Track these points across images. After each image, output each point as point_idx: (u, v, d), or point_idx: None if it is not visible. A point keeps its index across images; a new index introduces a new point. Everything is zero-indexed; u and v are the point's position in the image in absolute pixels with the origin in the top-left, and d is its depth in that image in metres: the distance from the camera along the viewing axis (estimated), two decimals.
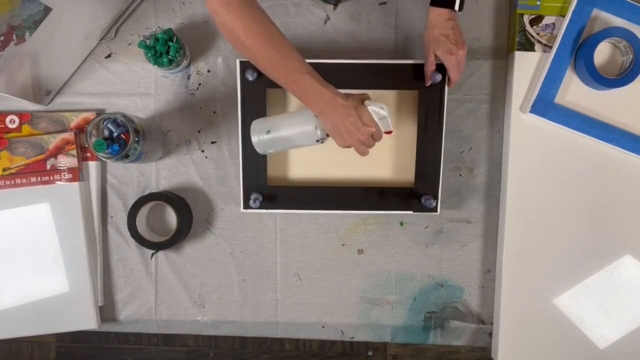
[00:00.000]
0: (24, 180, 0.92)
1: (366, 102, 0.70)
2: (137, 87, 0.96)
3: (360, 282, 0.94)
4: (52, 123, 0.94)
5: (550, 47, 0.88)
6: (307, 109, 0.72)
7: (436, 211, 0.86)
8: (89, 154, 0.94)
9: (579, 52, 0.86)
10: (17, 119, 0.93)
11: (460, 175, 0.93)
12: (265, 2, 0.94)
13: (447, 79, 0.83)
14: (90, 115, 0.94)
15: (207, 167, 0.95)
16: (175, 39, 0.88)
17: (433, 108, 0.85)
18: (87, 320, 0.93)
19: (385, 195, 0.88)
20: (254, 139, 0.74)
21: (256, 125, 0.75)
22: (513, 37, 0.89)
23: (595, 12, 0.87)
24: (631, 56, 0.84)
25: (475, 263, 0.93)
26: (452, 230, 0.93)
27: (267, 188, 0.88)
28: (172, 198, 0.92)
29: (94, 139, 0.82)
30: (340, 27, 0.94)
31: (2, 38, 0.77)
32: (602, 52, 0.87)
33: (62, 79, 0.95)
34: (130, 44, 0.95)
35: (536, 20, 0.88)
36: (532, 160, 0.89)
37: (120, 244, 0.96)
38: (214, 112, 0.95)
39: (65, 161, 0.92)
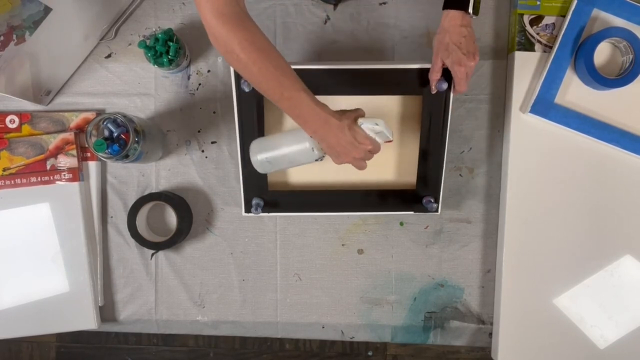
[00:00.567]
0: (24, 180, 0.92)
1: (359, 120, 0.70)
2: (137, 87, 0.95)
3: (360, 282, 0.94)
4: (52, 123, 0.94)
5: (550, 47, 0.88)
6: (300, 131, 0.71)
7: (437, 211, 0.86)
8: (89, 154, 0.94)
9: (579, 52, 0.86)
10: (17, 119, 0.93)
11: (460, 175, 0.93)
12: (265, 2, 0.94)
13: (452, 86, 0.80)
14: (90, 115, 0.94)
15: (207, 167, 0.95)
16: (175, 39, 0.88)
17: (437, 114, 0.82)
18: (87, 320, 0.93)
19: (386, 198, 0.87)
20: (254, 161, 0.74)
21: (255, 146, 0.75)
22: (513, 37, 0.89)
23: (595, 12, 0.87)
24: (631, 56, 0.84)
25: (475, 263, 0.93)
26: (452, 230, 0.93)
27: (268, 193, 0.87)
28: (172, 198, 0.92)
29: (94, 139, 0.82)
30: (340, 27, 0.93)
31: (2, 38, 0.77)
32: (602, 52, 0.87)
33: (62, 79, 0.95)
34: (130, 44, 0.95)
35: (536, 20, 0.88)
36: (532, 160, 0.89)
37: (120, 244, 0.96)
38: (214, 112, 0.95)
39: (65, 161, 0.92)
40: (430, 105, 0.82)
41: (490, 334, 0.94)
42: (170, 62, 0.88)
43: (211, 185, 0.95)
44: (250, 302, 0.96)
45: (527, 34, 0.88)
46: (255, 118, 0.86)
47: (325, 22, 0.94)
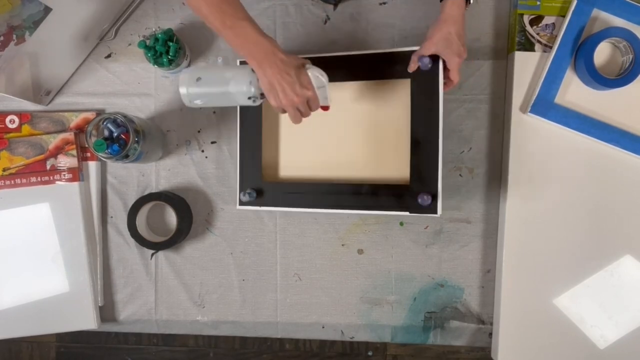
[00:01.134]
0: (24, 180, 0.92)
1: (307, 65, 0.68)
2: (137, 87, 0.96)
3: (360, 282, 0.94)
4: (52, 123, 0.94)
5: (550, 47, 0.88)
6: (244, 65, 0.69)
7: (436, 212, 0.80)
8: (89, 154, 0.94)
9: (579, 52, 0.86)
10: (17, 119, 0.93)
11: (460, 175, 0.93)
12: (265, 2, 0.94)
13: (442, 76, 0.78)
14: (90, 115, 0.94)
15: (207, 167, 0.95)
16: (175, 39, 0.88)
17: (427, 96, 0.78)
18: (87, 320, 0.93)
19: (379, 194, 0.84)
20: (182, 89, 0.70)
21: (187, 73, 0.71)
22: (513, 37, 0.89)
23: (595, 12, 0.87)
24: (631, 56, 0.84)
25: (475, 263, 0.93)
26: (452, 230, 0.93)
27: (261, 184, 0.87)
28: (172, 198, 0.92)
29: (94, 139, 0.82)
30: (340, 27, 0.93)
31: (2, 38, 0.77)
32: (602, 52, 0.87)
33: (62, 79, 0.95)
34: (130, 44, 0.95)
35: (536, 20, 0.88)
36: (532, 160, 0.89)
37: (120, 244, 0.96)
38: (214, 112, 0.95)
39: (65, 161, 0.92)
40: (420, 86, 0.79)
41: (490, 334, 0.94)
42: (170, 62, 0.88)
43: (211, 185, 0.95)
44: (250, 302, 0.96)
45: (527, 34, 0.88)
46: (255, 118, 0.87)
47: (325, 22, 0.94)
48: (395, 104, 0.86)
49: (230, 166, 0.95)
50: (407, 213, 0.82)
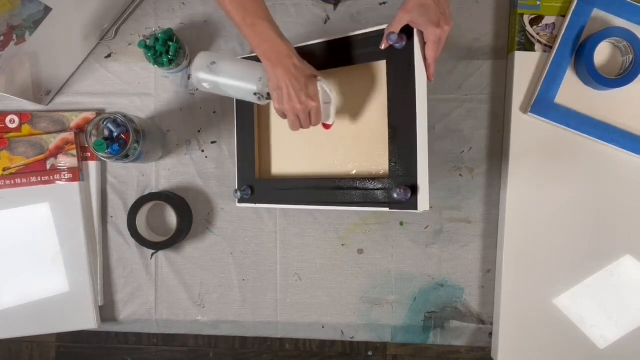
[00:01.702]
0: (24, 180, 0.92)
1: (319, 77, 0.68)
2: (137, 87, 0.96)
3: (360, 282, 0.94)
4: (52, 123, 0.94)
5: (550, 47, 0.88)
6: (259, 63, 0.69)
7: (416, 208, 0.68)
8: (89, 154, 0.94)
9: (579, 52, 0.86)
10: (17, 119, 0.93)
11: (460, 175, 0.93)
12: (265, 2, 0.94)
13: (419, 52, 0.68)
14: (90, 115, 0.94)
15: (207, 167, 0.95)
16: (175, 39, 0.88)
17: (403, 78, 0.69)
18: (87, 320, 0.93)
19: (361, 188, 0.75)
20: (194, 69, 0.72)
21: (203, 55, 0.73)
22: (513, 37, 0.89)
23: (595, 12, 0.87)
24: (631, 56, 0.84)
25: (475, 263, 0.93)
26: (452, 230, 0.93)
27: (255, 181, 0.87)
28: (172, 198, 0.92)
29: (94, 139, 0.82)
30: (340, 27, 0.93)
31: (2, 38, 0.77)
32: (602, 52, 0.87)
33: (62, 79, 0.95)
34: (130, 44, 0.95)
35: (536, 20, 0.88)
36: (532, 160, 0.89)
37: (120, 244, 0.96)
38: (214, 112, 0.95)
39: (65, 161, 0.92)
40: (395, 66, 0.70)
41: (490, 334, 0.94)
42: (170, 62, 0.88)
43: (211, 185, 0.95)
44: (250, 302, 0.96)
45: (527, 34, 0.88)
46: (254, 118, 0.87)
47: (325, 22, 0.94)
48: (376, 89, 0.78)
49: (230, 166, 0.95)
50: (387, 209, 0.72)
